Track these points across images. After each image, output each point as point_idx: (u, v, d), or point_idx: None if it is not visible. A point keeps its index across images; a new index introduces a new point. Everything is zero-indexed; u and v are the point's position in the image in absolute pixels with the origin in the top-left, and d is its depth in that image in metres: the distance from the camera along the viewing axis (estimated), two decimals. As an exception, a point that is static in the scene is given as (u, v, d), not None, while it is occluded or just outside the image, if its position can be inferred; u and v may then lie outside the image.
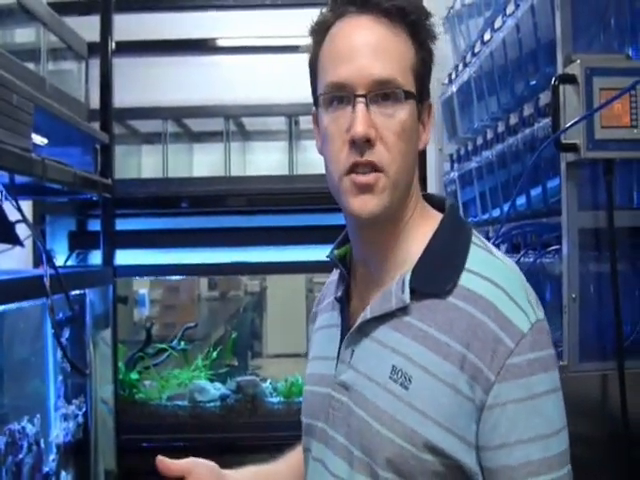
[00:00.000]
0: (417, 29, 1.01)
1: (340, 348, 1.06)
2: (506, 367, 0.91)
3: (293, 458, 1.28)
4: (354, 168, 0.98)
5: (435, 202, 1.10)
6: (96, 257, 2.82)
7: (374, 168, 0.97)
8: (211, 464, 1.18)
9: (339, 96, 0.99)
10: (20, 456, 1.65)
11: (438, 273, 0.98)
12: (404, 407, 0.95)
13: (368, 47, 0.98)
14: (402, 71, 0.98)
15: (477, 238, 1.04)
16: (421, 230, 1.04)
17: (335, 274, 1.18)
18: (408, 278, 0.99)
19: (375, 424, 0.97)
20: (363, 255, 1.08)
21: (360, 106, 0.96)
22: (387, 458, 0.95)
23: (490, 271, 0.98)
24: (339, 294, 1.11)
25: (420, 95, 1.02)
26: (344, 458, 1.01)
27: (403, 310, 0.99)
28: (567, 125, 1.67)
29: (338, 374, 1.05)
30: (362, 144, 0.96)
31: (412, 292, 0.98)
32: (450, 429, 0.93)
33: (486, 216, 2.54)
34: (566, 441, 0.94)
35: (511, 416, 0.91)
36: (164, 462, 1.13)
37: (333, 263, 1.14)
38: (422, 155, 2.08)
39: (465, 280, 0.97)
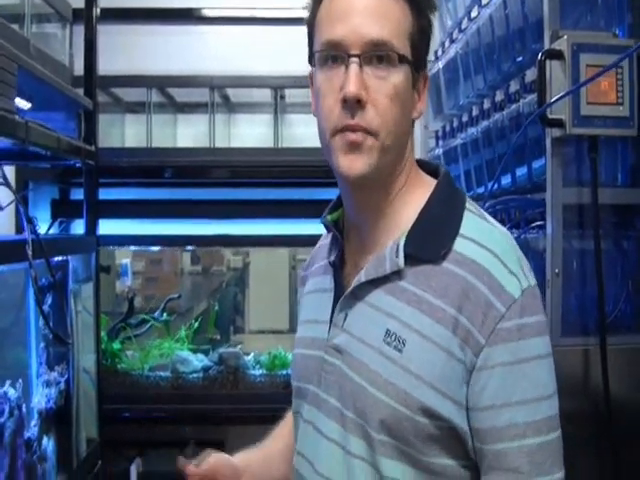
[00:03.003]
0: None
1: (333, 312, 1.07)
2: (496, 331, 0.93)
3: (284, 430, 1.31)
4: (345, 129, 0.98)
5: (429, 169, 1.11)
6: (79, 227, 2.81)
7: (364, 131, 0.98)
8: (229, 461, 1.24)
9: (334, 55, 0.99)
10: (1, 420, 1.64)
11: (432, 239, 1.00)
12: (398, 370, 0.96)
13: (366, 8, 0.99)
14: (398, 36, 0.99)
15: (471, 205, 1.05)
16: (415, 196, 1.05)
17: (326, 238, 1.19)
18: (402, 243, 1.00)
19: (369, 387, 0.98)
20: (356, 220, 1.09)
21: (353, 66, 0.97)
22: (380, 420, 0.97)
23: (484, 237, 0.99)
24: (332, 258, 1.12)
25: (416, 63, 1.02)
26: (337, 421, 1.03)
27: (397, 274, 1.00)
28: (553, 99, 1.68)
29: (331, 337, 1.06)
30: (353, 105, 0.97)
31: (407, 257, 0.99)
32: (444, 392, 0.94)
33: (470, 193, 2.55)
34: (555, 407, 0.96)
35: (499, 379, 0.93)
36: (188, 467, 1.20)
37: (326, 227, 1.15)
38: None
39: (459, 246, 0.98)
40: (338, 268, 1.11)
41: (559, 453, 0.95)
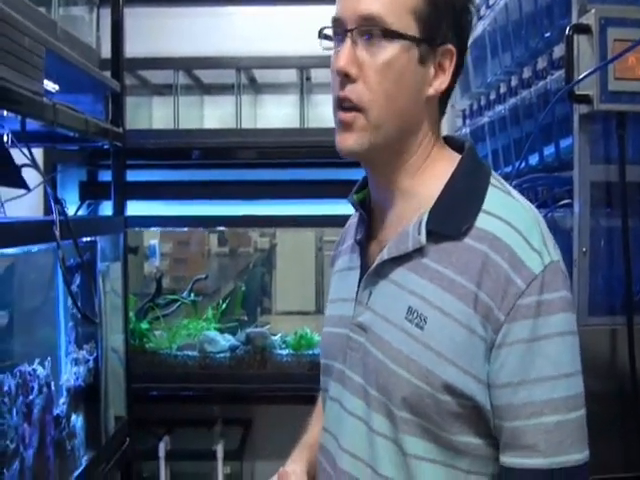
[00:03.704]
0: None
1: (358, 290, 1.08)
2: (516, 307, 0.92)
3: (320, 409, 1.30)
4: (340, 103, 1.00)
5: (455, 144, 1.10)
6: (107, 209, 2.84)
7: (354, 106, 0.99)
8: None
9: (337, 31, 1.01)
10: (31, 397, 1.68)
11: (455, 214, 0.99)
12: (419, 347, 0.96)
13: None
14: (394, 10, 0.97)
15: (495, 179, 1.04)
16: (438, 172, 1.04)
17: (355, 217, 1.19)
18: (425, 219, 0.99)
19: (391, 364, 0.98)
20: (379, 198, 1.09)
21: (346, 41, 0.98)
22: (403, 397, 0.97)
23: (507, 213, 0.98)
24: (358, 237, 1.12)
25: (428, 37, 0.99)
26: (361, 397, 1.03)
27: (420, 251, 1.00)
28: (581, 76, 1.65)
29: (356, 315, 1.07)
30: (342, 78, 0.98)
31: (429, 234, 0.99)
32: (465, 369, 0.94)
33: (498, 172, 2.52)
34: (577, 386, 0.94)
35: (518, 356, 0.92)
36: None
37: (353, 206, 1.15)
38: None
39: (481, 221, 0.97)
40: (364, 246, 1.12)
41: (581, 434, 0.94)
